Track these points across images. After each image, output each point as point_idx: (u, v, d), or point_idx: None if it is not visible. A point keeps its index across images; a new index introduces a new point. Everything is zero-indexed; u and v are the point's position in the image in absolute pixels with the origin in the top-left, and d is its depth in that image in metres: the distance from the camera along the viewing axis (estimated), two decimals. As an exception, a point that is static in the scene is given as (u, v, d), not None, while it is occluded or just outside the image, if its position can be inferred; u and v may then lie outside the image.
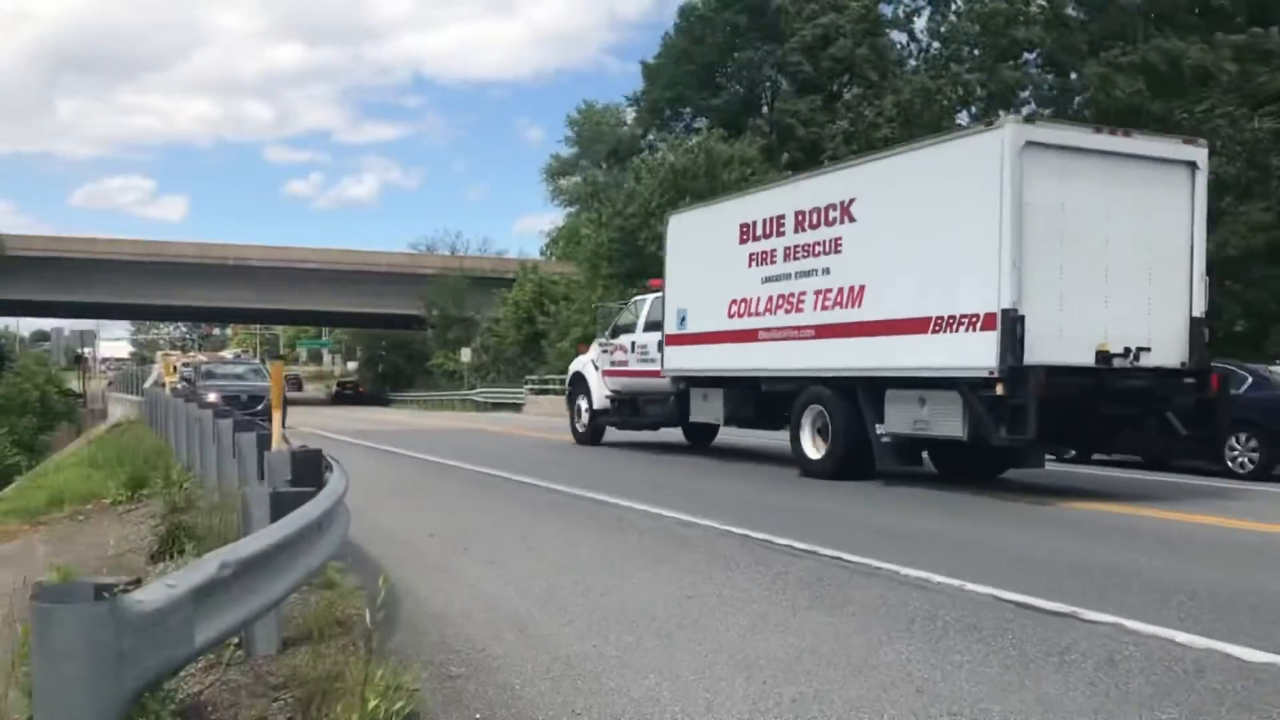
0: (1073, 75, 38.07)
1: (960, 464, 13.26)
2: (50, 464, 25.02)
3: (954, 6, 39.83)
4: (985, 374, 10.99)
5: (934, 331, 11.71)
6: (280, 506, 5.44)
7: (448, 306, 55.69)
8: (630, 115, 54.50)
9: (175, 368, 46.71)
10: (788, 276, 14.21)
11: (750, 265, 14.96)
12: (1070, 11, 37.49)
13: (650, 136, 50.69)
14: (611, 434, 19.84)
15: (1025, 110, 39.45)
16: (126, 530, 10.19)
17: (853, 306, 13.06)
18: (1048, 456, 13.69)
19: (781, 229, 14.39)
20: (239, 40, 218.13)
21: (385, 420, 32.77)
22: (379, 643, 5.53)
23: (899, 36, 45.71)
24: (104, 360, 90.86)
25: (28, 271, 50.22)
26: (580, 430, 20.03)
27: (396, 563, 7.80)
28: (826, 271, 13.52)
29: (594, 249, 39.67)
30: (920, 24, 44.70)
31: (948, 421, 11.73)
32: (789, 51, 42.77)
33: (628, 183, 39.91)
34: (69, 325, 57.00)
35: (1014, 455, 12.75)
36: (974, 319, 11.23)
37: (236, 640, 5.29)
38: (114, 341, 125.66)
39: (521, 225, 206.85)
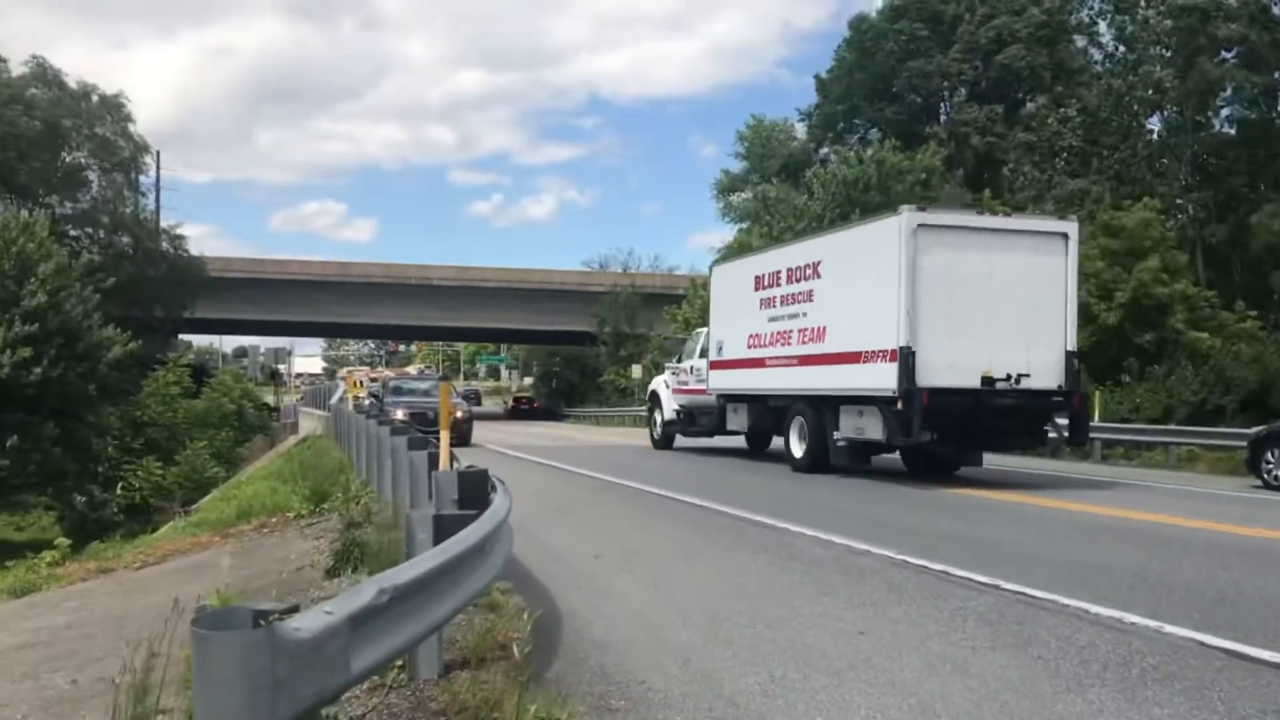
0: (1277, 75, 35.57)
1: (924, 462, 17.03)
2: (243, 476, 26.37)
3: (1141, 4, 37.73)
4: (890, 394, 14.95)
5: (864, 362, 15.69)
6: (443, 529, 5.41)
7: (619, 323, 56.24)
8: (801, 130, 53.87)
9: (361, 382, 48.78)
10: (782, 317, 18.43)
11: (761, 308, 19.10)
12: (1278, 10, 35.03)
13: (824, 150, 50.03)
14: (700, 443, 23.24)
15: (1225, 111, 37.11)
16: (307, 544, 10.50)
17: (819, 342, 17.21)
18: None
19: (779, 280, 18.60)
20: (425, 68, 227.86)
21: (557, 435, 33.23)
22: (538, 671, 5.45)
23: (1079, 41, 43.69)
24: (298, 375, 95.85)
25: (229, 292, 53.40)
26: (656, 437, 24.72)
27: (560, 584, 7.75)
28: (805, 315, 17.68)
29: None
30: (1103, 28, 42.64)
31: (873, 428, 15.84)
32: (964, 60, 41.49)
33: (800, 196, 39.40)
34: (265, 342, 60.37)
35: (959, 455, 16.82)
36: (885, 353, 15.17)
37: (400, 663, 5.29)
38: (308, 357, 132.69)
39: (694, 241, 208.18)
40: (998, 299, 15.19)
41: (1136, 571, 8.16)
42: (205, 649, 3.13)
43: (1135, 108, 34.93)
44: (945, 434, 15.09)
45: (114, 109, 46.97)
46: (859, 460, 16.84)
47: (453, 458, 8.82)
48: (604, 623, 6.59)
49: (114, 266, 42.07)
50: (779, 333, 18.49)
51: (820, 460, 17.03)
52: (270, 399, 54.97)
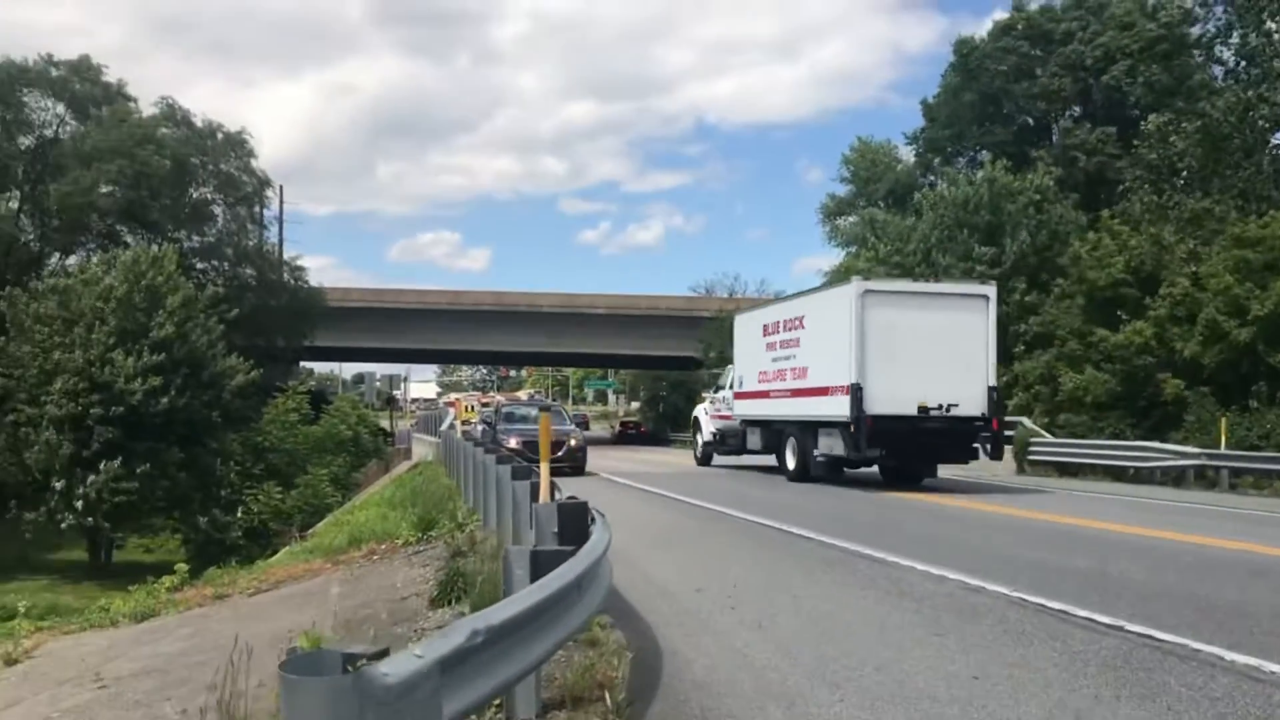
0: None
1: (892, 474, 21.04)
2: (356, 501, 26.89)
3: (1265, 17, 35.99)
4: (846, 419, 19.23)
5: (830, 394, 19.98)
6: (540, 566, 5.34)
7: (724, 348, 55.95)
8: (908, 154, 52.96)
9: (473, 407, 49.29)
10: (780, 358, 22.67)
11: (767, 350, 23.43)
12: None
13: (930, 177, 49.12)
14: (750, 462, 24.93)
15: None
16: (414, 572, 10.57)
17: (803, 379, 21.49)
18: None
19: (778, 329, 22.95)
20: (537, 100, 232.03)
21: (663, 462, 33.11)
22: (637, 712, 5.33)
23: (1197, 56, 41.90)
24: (414, 400, 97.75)
25: (347, 321, 54.87)
26: (698, 456, 29.83)
27: (662, 619, 7.61)
28: (794, 357, 22.03)
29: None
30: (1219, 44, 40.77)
31: (838, 447, 20.04)
32: (1073, 78, 40.32)
33: (908, 219, 38.70)
34: (381, 369, 61.78)
35: (918, 469, 20.93)
36: (843, 388, 19.30)
37: (496, 702, 5.22)
38: (423, 383, 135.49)
39: (800, 266, 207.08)
40: (931, 346, 19.24)
41: (1276, 614, 7.66)
42: (293, 694, 3.10)
43: (1260, 123, 33.38)
44: (890, 450, 19.57)
45: (238, 145, 48.78)
46: (834, 472, 21.12)
47: (554, 488, 8.77)
48: (706, 661, 6.43)
49: (238, 298, 43.58)
50: (778, 370, 22.76)
51: (804, 473, 21.53)
52: (385, 424, 56.19)
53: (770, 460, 24.13)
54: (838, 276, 51.45)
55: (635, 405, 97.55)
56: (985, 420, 19.41)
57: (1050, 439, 27.03)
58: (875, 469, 21.36)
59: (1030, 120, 46.20)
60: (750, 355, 24.68)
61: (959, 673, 5.99)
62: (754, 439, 24.62)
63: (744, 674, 6.10)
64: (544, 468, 8.54)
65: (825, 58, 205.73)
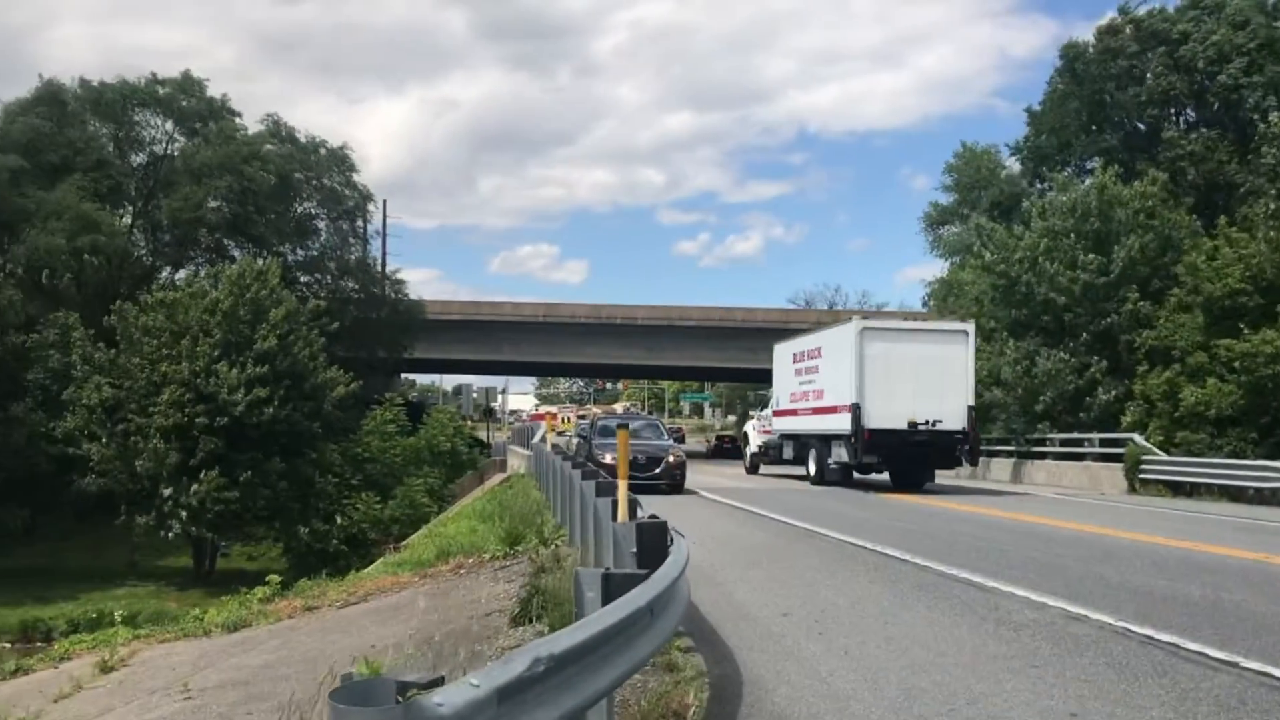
0: None
1: (897, 480, 24.90)
2: (450, 513, 27.11)
3: None
4: (849, 432, 23.45)
5: (839, 412, 24.08)
6: (611, 589, 5.18)
7: (822, 362, 55.22)
8: (1012, 163, 51.53)
9: (569, 419, 49.45)
10: (805, 382, 27.19)
11: (795, 375, 28.08)
12: None
13: (1039, 184, 47.78)
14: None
15: None
16: (498, 588, 10.50)
17: (820, 399, 25.83)
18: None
19: (803, 358, 27.60)
20: (635, 112, 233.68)
21: (757, 477, 32.71)
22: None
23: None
24: (512, 412, 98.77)
25: (446, 334, 55.70)
26: (747, 466, 34.66)
27: (744, 644, 7.38)
28: (814, 381, 26.47)
29: (975, 298, 37.54)
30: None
31: (846, 455, 24.29)
32: (1185, 79, 38.79)
33: (1016, 229, 37.61)
34: (477, 381, 62.54)
35: (915, 475, 24.67)
36: (847, 406, 23.43)
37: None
38: (521, 395, 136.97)
39: (904, 276, 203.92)
40: (919, 373, 23.23)
41: None
42: (342, 724, 2.99)
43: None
44: (884, 458, 24.01)
45: (340, 161, 50.01)
46: (845, 477, 25.29)
47: (635, 505, 8.60)
48: (788, 690, 6.18)
49: (340, 310, 44.56)
50: (803, 392, 27.25)
51: (821, 478, 25.88)
52: (483, 435, 56.85)
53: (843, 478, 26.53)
54: (941, 289, 50.22)
55: (731, 419, 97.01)
56: (964, 434, 23.66)
57: (1163, 456, 25.89)
58: (886, 476, 25.31)
59: (1141, 126, 44.64)
60: (785, 379, 29.39)
61: (1056, 709, 5.65)
62: (787, 450, 29.21)
63: (826, 706, 5.84)
64: (621, 485, 8.38)
65: (929, 64, 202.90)
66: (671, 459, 22.96)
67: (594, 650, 4.33)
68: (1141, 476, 25.59)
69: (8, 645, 25.32)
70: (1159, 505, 21.49)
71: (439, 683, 3.25)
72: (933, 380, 23.21)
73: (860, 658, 6.96)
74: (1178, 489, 24.46)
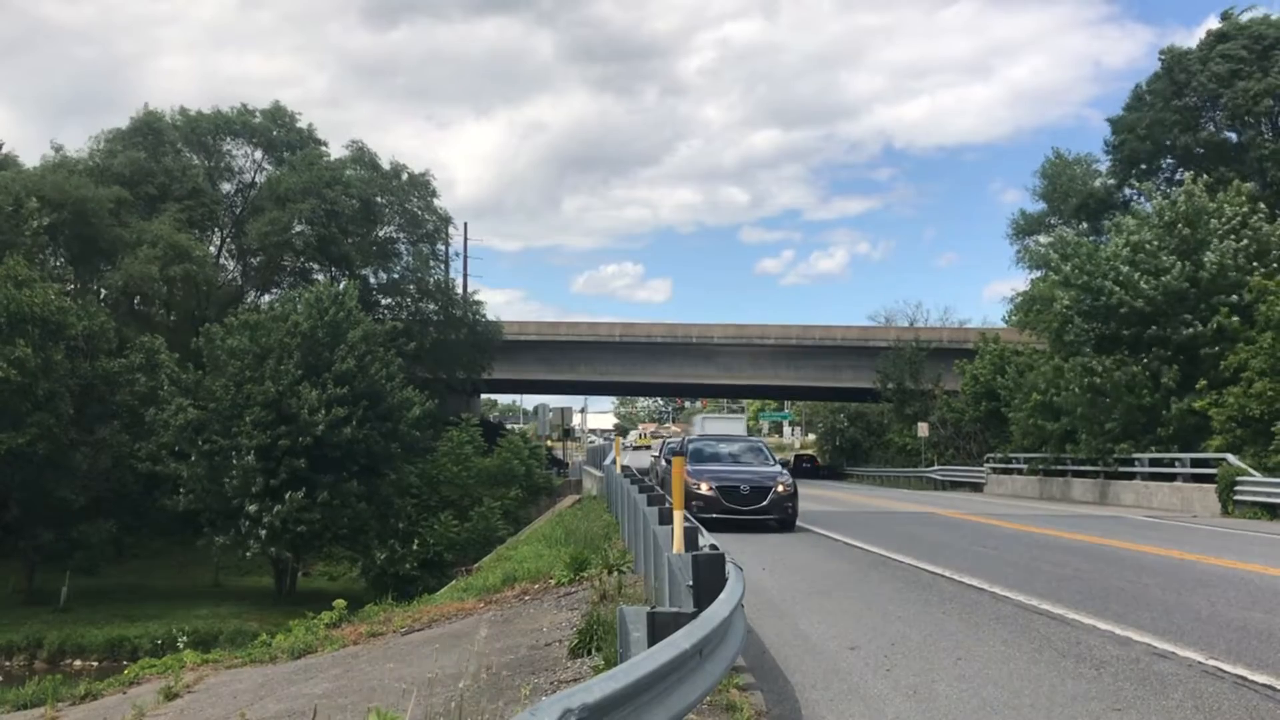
0: None
1: None
2: (521, 535, 27.09)
3: None
4: None
5: None
6: (657, 629, 4.95)
7: (903, 379, 54.28)
8: (1104, 165, 50.11)
9: (657, 435, 48.93)
10: None
11: None
12: None
13: (1126, 190, 46.52)
14: None
15: None
16: (560, 616, 10.33)
17: None
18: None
19: None
20: (719, 131, 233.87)
21: (834, 499, 32.12)
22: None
23: None
24: (591, 431, 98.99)
25: (524, 354, 56.11)
26: None
27: (808, 681, 7.08)
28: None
29: (1060, 311, 36.33)
30: None
31: None
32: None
33: (1105, 235, 36.55)
34: (558, 400, 62.84)
35: None
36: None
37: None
38: (601, 414, 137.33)
39: (991, 291, 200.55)
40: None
41: None
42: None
43: None
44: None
45: (421, 186, 50.75)
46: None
47: (697, 534, 8.35)
48: (849, 733, 5.88)
49: (420, 332, 45.09)
50: None
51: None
52: (560, 454, 57.00)
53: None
54: (1024, 303, 48.92)
55: (811, 438, 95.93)
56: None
57: (1260, 477, 24.73)
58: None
59: (1233, 137, 43.25)
60: None
61: (1139, 761, 5.27)
62: None
63: (889, 751, 5.53)
64: (677, 515, 8.13)
65: (1020, 76, 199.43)
66: (781, 488, 18.84)
67: (633, 699, 4.11)
68: (1236, 498, 24.52)
69: (95, 664, 25.92)
70: (1255, 529, 20.50)
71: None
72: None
73: (929, 698, 6.62)
74: (1276, 511, 23.35)
